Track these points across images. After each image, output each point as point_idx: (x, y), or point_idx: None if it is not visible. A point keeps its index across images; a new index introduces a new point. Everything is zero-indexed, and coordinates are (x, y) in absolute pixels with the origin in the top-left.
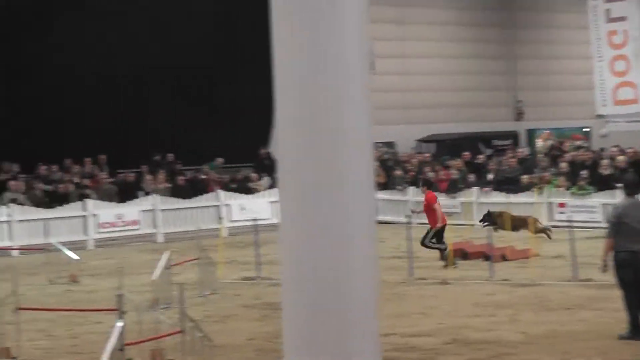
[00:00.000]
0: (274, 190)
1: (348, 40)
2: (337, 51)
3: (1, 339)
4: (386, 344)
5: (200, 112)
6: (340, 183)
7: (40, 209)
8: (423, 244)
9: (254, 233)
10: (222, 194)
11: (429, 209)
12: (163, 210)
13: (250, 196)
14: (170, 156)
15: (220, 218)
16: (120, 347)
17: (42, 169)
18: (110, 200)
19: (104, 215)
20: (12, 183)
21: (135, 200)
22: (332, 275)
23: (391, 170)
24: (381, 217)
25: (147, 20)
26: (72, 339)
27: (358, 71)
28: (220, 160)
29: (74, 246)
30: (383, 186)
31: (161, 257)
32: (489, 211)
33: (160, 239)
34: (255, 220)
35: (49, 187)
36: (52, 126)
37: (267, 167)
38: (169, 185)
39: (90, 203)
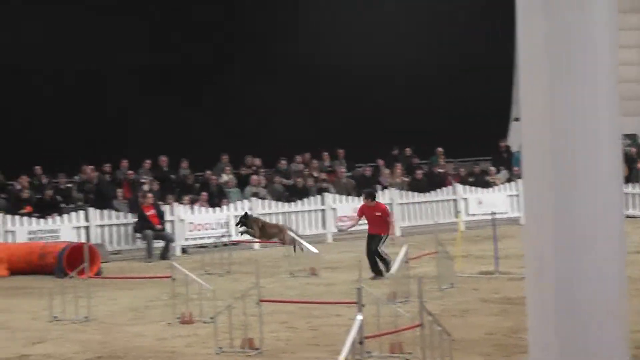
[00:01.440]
0: (512, 184)
1: (596, 32)
2: (584, 43)
3: (245, 330)
4: (630, 341)
5: (436, 105)
6: (587, 177)
7: (280, 203)
8: (377, 252)
9: (491, 227)
10: (459, 187)
11: (383, 220)
12: (400, 204)
13: (487, 190)
14: (407, 150)
15: (457, 212)
16: (360, 340)
17: (282, 164)
18: (348, 194)
19: (342, 208)
20: (253, 177)
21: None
22: (579, 271)
23: (633, 163)
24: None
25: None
26: (311, 330)
27: (606, 64)
28: (440, 149)
29: (314, 239)
30: (625, 179)
31: (399, 251)
32: (246, 213)
33: (397, 232)
34: (493, 214)
35: (289, 182)
36: (292, 122)
37: (505, 160)
38: (407, 179)
39: (328, 197)
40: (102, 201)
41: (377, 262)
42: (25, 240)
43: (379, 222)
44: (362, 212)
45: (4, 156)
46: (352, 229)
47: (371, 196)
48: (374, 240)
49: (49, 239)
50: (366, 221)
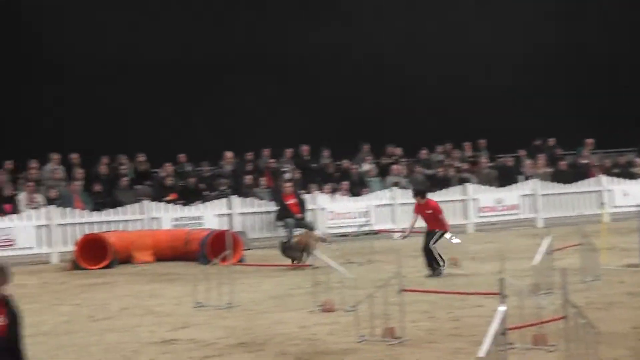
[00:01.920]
0: None
1: None
2: None
3: (386, 319)
4: None
5: (579, 96)
6: None
7: None
8: (428, 248)
9: (638, 219)
10: (604, 179)
11: (435, 217)
12: (543, 195)
13: (633, 181)
14: (551, 140)
15: (602, 203)
16: (502, 332)
17: (423, 153)
18: (490, 185)
19: (484, 199)
20: (394, 167)
21: (515, 185)
22: None
23: None
24: None
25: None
26: (453, 321)
27: None
28: (590, 140)
29: (455, 230)
30: None
31: (542, 242)
32: (283, 243)
33: (540, 223)
34: (639, 205)
35: (430, 171)
36: (432, 111)
37: None
38: (550, 169)
39: (470, 187)
40: (240, 189)
41: (433, 259)
42: (169, 227)
43: (432, 220)
44: (416, 210)
45: (150, 144)
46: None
47: (420, 194)
48: (428, 236)
49: (193, 226)
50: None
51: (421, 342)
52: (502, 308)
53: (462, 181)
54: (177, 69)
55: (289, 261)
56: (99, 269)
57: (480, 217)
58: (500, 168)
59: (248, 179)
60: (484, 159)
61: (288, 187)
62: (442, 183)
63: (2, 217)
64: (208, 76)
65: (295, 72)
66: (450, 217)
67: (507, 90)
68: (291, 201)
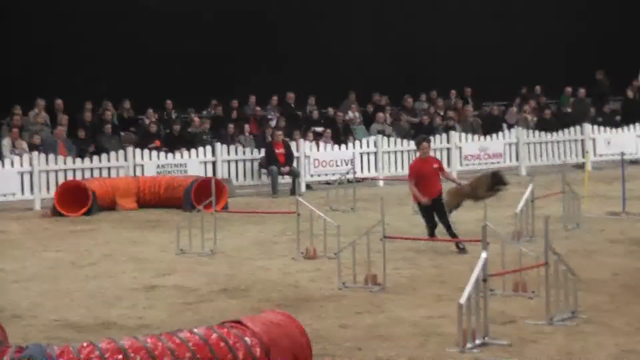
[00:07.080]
0: None
1: None
2: None
3: (368, 266)
4: None
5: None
6: None
7: (405, 141)
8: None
9: (620, 168)
10: (587, 127)
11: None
12: (527, 143)
13: (616, 130)
14: (537, 89)
15: (585, 152)
16: (484, 278)
17: (409, 102)
18: (475, 133)
19: (468, 147)
20: (379, 115)
21: (500, 134)
22: None
23: None
24: None
25: None
26: (435, 268)
27: None
28: (568, 90)
29: None
30: None
31: (525, 190)
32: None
33: (523, 172)
34: (622, 154)
35: (415, 119)
36: (422, 60)
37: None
38: (534, 118)
39: (454, 135)
40: (225, 136)
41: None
42: (153, 174)
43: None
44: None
45: (136, 90)
46: None
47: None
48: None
49: (177, 174)
50: None
51: (403, 288)
52: (483, 255)
53: (447, 129)
54: (166, 16)
55: (274, 209)
56: (80, 215)
57: (465, 165)
58: (486, 116)
59: (232, 126)
60: (469, 107)
61: (278, 135)
62: (426, 131)
63: None
64: (194, 23)
65: (282, 23)
66: None
67: (493, 37)
68: (280, 150)
